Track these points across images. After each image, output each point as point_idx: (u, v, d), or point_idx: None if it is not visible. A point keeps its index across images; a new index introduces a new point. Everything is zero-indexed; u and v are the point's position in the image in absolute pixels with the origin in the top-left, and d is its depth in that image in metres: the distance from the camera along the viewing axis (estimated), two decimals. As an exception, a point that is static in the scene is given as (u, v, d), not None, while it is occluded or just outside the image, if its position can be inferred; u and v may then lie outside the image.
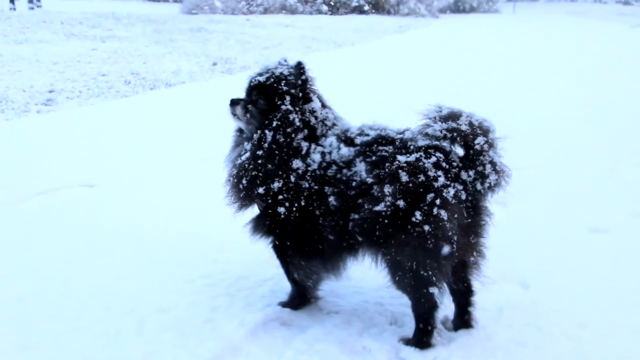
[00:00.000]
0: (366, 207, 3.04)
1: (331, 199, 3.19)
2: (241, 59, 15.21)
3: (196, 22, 25.42)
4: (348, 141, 3.25)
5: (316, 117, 3.37)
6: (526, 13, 42.06)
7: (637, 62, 15.04)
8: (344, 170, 3.17)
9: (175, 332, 3.38)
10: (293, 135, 3.30)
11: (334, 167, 3.21)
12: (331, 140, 3.31)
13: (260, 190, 3.34)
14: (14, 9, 30.00)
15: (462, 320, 3.41)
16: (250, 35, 21.13)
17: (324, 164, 3.25)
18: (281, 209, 3.34)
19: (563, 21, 33.02)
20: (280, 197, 3.33)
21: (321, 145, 3.31)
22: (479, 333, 3.36)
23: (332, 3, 38.24)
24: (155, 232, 4.75)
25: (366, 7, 38.79)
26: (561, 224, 4.95)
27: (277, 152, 3.30)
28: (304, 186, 3.27)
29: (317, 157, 3.28)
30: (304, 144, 3.31)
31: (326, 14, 37.43)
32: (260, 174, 3.33)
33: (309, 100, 3.39)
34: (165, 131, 8.00)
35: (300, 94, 3.39)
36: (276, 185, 3.31)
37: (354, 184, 3.11)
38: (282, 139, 3.30)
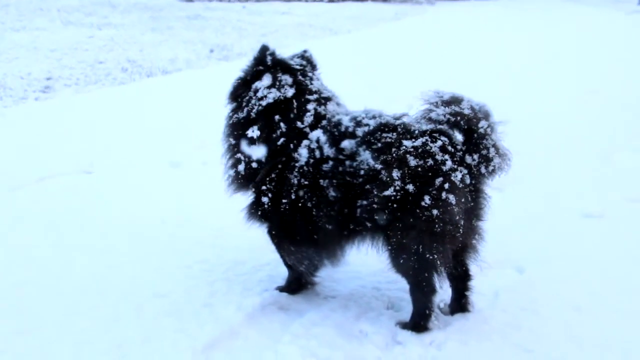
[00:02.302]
0: (375, 192, 3.04)
1: (330, 190, 3.18)
2: (238, 46, 15.18)
3: (193, 9, 25.33)
4: (347, 134, 3.21)
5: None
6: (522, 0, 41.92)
7: (633, 49, 15.03)
8: (347, 162, 3.14)
9: (174, 316, 3.41)
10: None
11: (331, 162, 3.18)
12: (318, 134, 3.28)
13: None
14: (10, -4, 29.79)
15: (459, 304, 3.44)
16: (247, 23, 21.07)
17: (314, 160, 3.23)
18: (264, 199, 3.37)
19: (559, 8, 32.91)
20: (264, 187, 3.37)
21: (308, 139, 3.30)
22: (474, 317, 3.39)
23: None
24: (151, 218, 4.76)
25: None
26: (556, 209, 4.98)
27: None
28: (292, 181, 3.27)
29: (304, 152, 3.27)
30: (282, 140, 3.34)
31: (322, 1, 37.29)
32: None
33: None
34: (162, 118, 8.00)
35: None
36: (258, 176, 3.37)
37: (361, 172, 3.09)
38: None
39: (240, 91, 3.48)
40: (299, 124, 3.32)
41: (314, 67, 3.57)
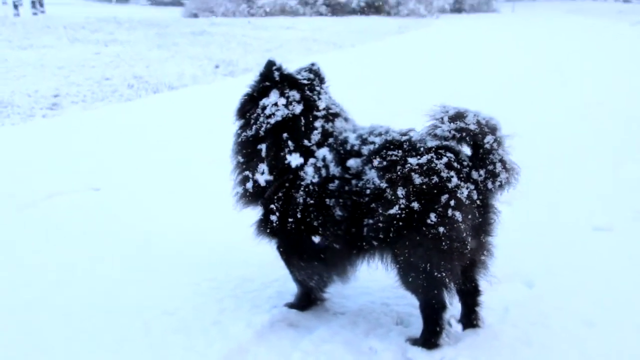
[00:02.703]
0: (380, 211, 3.04)
1: (336, 210, 3.17)
2: (243, 61, 15.24)
3: (198, 26, 25.49)
4: (352, 153, 3.20)
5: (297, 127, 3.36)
6: (525, 12, 42.06)
7: (638, 60, 15.02)
8: (354, 182, 3.13)
9: (183, 334, 3.40)
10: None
11: (337, 182, 3.17)
12: (324, 153, 3.27)
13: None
14: (18, 15, 30.16)
15: (469, 320, 3.42)
16: (252, 38, 21.18)
17: (320, 178, 3.22)
18: (273, 217, 3.37)
19: (563, 20, 32.99)
20: (272, 205, 3.37)
21: (314, 157, 3.28)
22: (485, 332, 3.37)
23: (332, 5, 38.27)
24: (160, 235, 4.76)
25: (366, 9, 38.83)
26: (565, 222, 4.97)
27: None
28: (298, 200, 3.27)
29: (310, 170, 3.26)
30: (292, 157, 3.31)
31: (326, 15, 37.48)
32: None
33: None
34: (169, 134, 8.02)
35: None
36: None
37: (367, 191, 3.08)
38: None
39: (248, 107, 3.46)
40: (306, 142, 3.31)
41: (322, 81, 3.54)
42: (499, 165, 3.03)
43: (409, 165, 3.00)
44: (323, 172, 3.22)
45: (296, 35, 22.64)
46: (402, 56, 16.94)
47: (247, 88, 3.53)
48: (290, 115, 3.33)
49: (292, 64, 3.68)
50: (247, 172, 3.43)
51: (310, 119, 3.35)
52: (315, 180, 3.22)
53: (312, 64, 3.57)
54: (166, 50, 17.01)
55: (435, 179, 2.97)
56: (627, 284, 3.93)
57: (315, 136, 3.32)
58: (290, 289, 3.77)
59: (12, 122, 8.81)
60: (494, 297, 3.63)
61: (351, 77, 12.19)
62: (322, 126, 3.35)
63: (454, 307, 3.38)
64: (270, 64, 3.44)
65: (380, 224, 3.05)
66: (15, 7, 31.01)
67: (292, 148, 3.31)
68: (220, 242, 4.56)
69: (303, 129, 3.32)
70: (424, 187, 2.96)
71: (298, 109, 3.34)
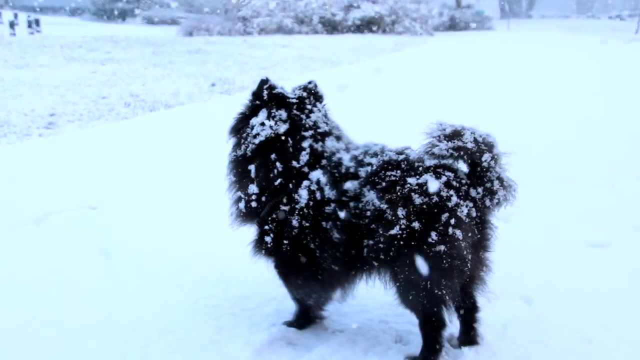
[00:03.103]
0: (381, 232, 3.04)
1: (334, 232, 3.17)
2: (239, 80, 15.29)
3: (194, 44, 25.60)
4: (349, 175, 3.20)
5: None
6: (520, 30, 42.33)
7: (633, 77, 15.11)
8: (352, 204, 3.13)
9: (181, 353, 3.38)
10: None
11: (334, 205, 3.17)
12: (318, 175, 3.27)
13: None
14: (14, 34, 30.24)
15: (468, 336, 3.41)
16: (248, 56, 21.26)
17: (315, 202, 3.21)
18: (267, 238, 3.37)
19: (558, 37, 33.19)
20: (266, 226, 3.37)
21: (308, 180, 3.27)
22: (484, 350, 3.36)
23: (327, 23, 38.49)
24: (157, 254, 4.75)
25: (362, 27, 39.05)
26: (562, 238, 4.97)
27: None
28: (293, 223, 3.26)
29: (304, 193, 3.25)
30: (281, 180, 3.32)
31: (322, 33, 37.65)
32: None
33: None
34: (166, 152, 8.02)
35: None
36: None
37: (367, 213, 3.08)
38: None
39: (240, 126, 3.48)
40: (294, 163, 3.30)
41: (317, 99, 3.51)
42: (496, 183, 3.05)
43: (408, 185, 3.00)
44: (318, 195, 3.22)
45: (292, 54, 22.74)
46: (399, 73, 17.00)
47: (241, 107, 3.54)
48: (273, 135, 3.32)
49: (288, 82, 3.69)
50: (239, 193, 3.44)
51: (298, 139, 3.33)
52: (311, 203, 3.22)
53: (309, 82, 3.56)
54: (162, 69, 17.06)
55: (435, 198, 2.97)
56: (625, 300, 3.94)
57: (304, 157, 3.30)
58: (289, 307, 3.75)
59: (9, 141, 8.81)
60: (493, 314, 3.63)
61: (348, 94, 12.22)
62: (311, 146, 3.32)
63: (453, 324, 3.37)
64: (262, 83, 3.45)
65: (381, 245, 3.05)
66: (12, 26, 31.10)
67: (280, 169, 3.30)
68: (217, 260, 4.55)
69: (291, 149, 3.31)
70: (424, 206, 2.97)
71: (282, 128, 3.33)
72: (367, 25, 39.45)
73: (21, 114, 10.58)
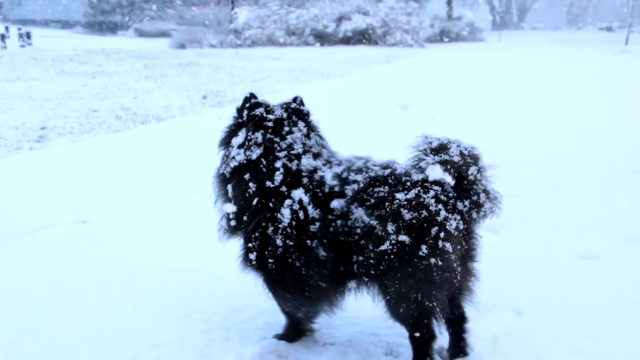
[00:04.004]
0: (370, 247, 3.04)
1: (320, 250, 3.18)
2: (231, 92, 15.30)
3: (185, 57, 25.64)
4: (334, 194, 3.20)
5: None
6: (511, 41, 42.58)
7: (625, 88, 15.22)
8: (339, 222, 3.14)
9: (171, 367, 3.37)
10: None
11: (319, 224, 3.18)
12: (300, 195, 3.26)
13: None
14: (5, 47, 30.22)
15: (458, 347, 3.41)
16: (240, 69, 21.30)
17: (297, 221, 3.22)
18: (251, 256, 3.38)
19: (548, 49, 33.40)
20: (249, 244, 3.39)
21: (290, 199, 3.27)
22: (474, 362, 3.37)
23: (319, 35, 38.62)
24: (148, 267, 4.74)
25: (353, 38, 39.21)
26: (553, 250, 4.98)
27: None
28: (277, 242, 3.26)
29: (286, 212, 3.25)
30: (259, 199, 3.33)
31: (314, 45, 37.78)
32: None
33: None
34: (157, 165, 8.02)
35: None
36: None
37: (356, 230, 3.08)
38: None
39: (228, 140, 3.49)
40: (269, 183, 3.30)
41: (301, 117, 3.49)
42: (482, 196, 3.07)
43: (397, 201, 3.01)
44: (301, 214, 3.22)
45: (284, 66, 22.80)
46: (391, 85, 17.06)
47: (228, 120, 3.56)
48: (246, 162, 3.34)
49: (280, 95, 3.72)
50: (220, 210, 3.48)
51: (271, 159, 3.34)
52: (293, 223, 3.23)
53: (295, 99, 3.54)
54: (154, 82, 17.07)
55: (424, 213, 2.98)
56: (615, 312, 3.94)
57: (278, 177, 3.30)
58: (279, 320, 3.75)
59: (-1, 154, 8.78)
60: (483, 326, 3.64)
61: (341, 106, 12.26)
62: (284, 165, 3.32)
63: (442, 336, 3.37)
64: (245, 100, 3.47)
65: (372, 260, 3.06)
66: (3, 39, 31.08)
67: (254, 189, 3.31)
68: (208, 273, 4.54)
69: (264, 169, 3.32)
70: (414, 221, 2.98)
71: (255, 154, 3.33)
72: (358, 37, 39.62)
73: (12, 128, 10.55)
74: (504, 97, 14.05)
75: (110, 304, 4.15)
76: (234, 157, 3.36)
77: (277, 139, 3.38)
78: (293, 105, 3.51)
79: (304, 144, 3.41)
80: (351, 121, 10.50)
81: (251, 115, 3.43)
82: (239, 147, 3.37)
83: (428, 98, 13.92)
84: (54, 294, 4.31)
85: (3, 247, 5.22)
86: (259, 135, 3.37)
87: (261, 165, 3.32)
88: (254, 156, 3.33)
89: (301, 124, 3.47)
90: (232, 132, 3.49)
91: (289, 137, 3.39)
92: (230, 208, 3.37)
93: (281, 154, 3.34)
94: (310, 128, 3.51)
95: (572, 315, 3.89)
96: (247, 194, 3.32)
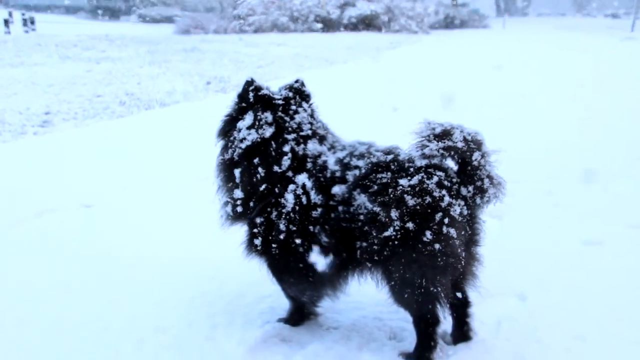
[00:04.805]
0: (374, 234, 3.04)
1: (322, 236, 3.19)
2: (235, 78, 15.27)
3: (190, 42, 25.57)
4: (335, 180, 3.20)
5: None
6: (516, 28, 42.34)
7: (628, 75, 15.15)
8: (340, 208, 3.14)
9: (175, 350, 3.39)
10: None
11: (320, 209, 3.18)
12: (303, 179, 3.26)
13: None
14: (9, 32, 30.18)
15: (461, 332, 3.42)
16: (244, 55, 21.25)
17: (300, 206, 3.22)
18: (256, 241, 3.38)
19: (553, 35, 33.22)
20: (254, 229, 3.39)
21: (294, 184, 3.27)
22: (478, 347, 3.37)
23: (323, 21, 38.48)
24: (152, 251, 4.75)
25: (357, 25, 39.06)
26: (556, 236, 4.98)
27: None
28: (280, 227, 3.26)
29: (290, 197, 3.24)
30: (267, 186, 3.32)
31: (317, 32, 37.65)
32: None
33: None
34: (161, 151, 8.02)
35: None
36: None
37: (360, 216, 3.08)
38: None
39: (228, 129, 3.46)
40: (276, 168, 3.29)
41: (304, 98, 3.49)
42: (486, 181, 3.07)
43: (400, 187, 3.01)
44: (304, 199, 3.22)
45: (288, 52, 22.73)
46: (394, 71, 17.00)
47: (227, 108, 3.52)
48: (259, 140, 3.31)
49: (284, 80, 3.68)
50: (226, 197, 3.45)
51: (280, 142, 3.32)
52: (297, 207, 3.22)
53: (296, 81, 3.53)
54: (158, 67, 17.04)
55: (428, 199, 2.98)
56: (618, 298, 3.95)
57: (286, 161, 3.29)
58: (283, 304, 3.76)
59: (3, 139, 8.79)
60: (487, 311, 3.64)
61: (344, 92, 12.24)
62: (292, 149, 3.31)
63: (446, 321, 3.38)
64: (247, 84, 3.42)
65: (375, 247, 3.06)
66: (7, 24, 31.03)
67: (262, 174, 3.30)
68: (212, 258, 4.55)
69: (273, 153, 3.30)
70: (418, 207, 2.98)
71: (268, 132, 3.32)
72: (362, 24, 39.47)
73: (16, 113, 10.56)
74: (506, 84, 14.00)
75: (114, 288, 4.17)
76: (245, 138, 3.33)
77: (287, 118, 3.37)
78: (296, 85, 3.50)
79: (311, 124, 3.41)
80: (354, 107, 10.48)
81: (259, 96, 3.40)
82: (249, 128, 3.34)
83: (430, 84, 13.86)
84: (58, 277, 4.33)
85: (6, 232, 5.23)
86: (268, 115, 3.35)
87: (271, 148, 3.31)
88: (267, 134, 3.31)
89: (305, 105, 3.47)
90: (233, 118, 3.45)
91: (296, 116, 3.39)
92: (239, 194, 3.36)
93: (290, 137, 3.33)
94: (312, 110, 3.51)
95: (576, 300, 3.90)
96: (254, 179, 3.31)
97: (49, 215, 5.62)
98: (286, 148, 3.31)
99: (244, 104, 3.43)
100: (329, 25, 39.26)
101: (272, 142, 3.31)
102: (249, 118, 3.37)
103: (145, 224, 5.40)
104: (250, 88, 3.41)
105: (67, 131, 9.44)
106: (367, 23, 39.67)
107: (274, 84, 3.58)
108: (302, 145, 3.33)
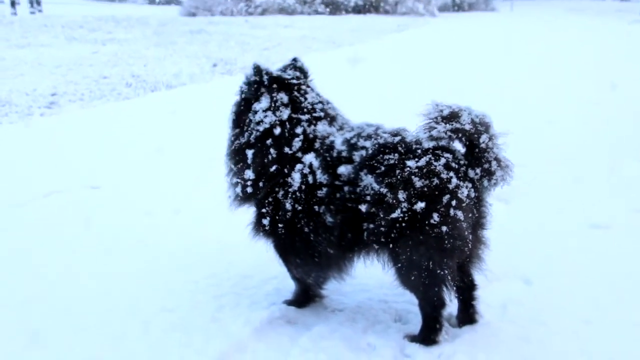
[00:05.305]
0: (381, 215, 3.04)
1: (327, 216, 3.18)
2: (241, 60, 15.21)
3: (196, 24, 25.45)
4: (341, 159, 3.19)
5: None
6: (524, 11, 41.99)
7: (636, 59, 15.03)
8: (346, 188, 3.13)
9: (181, 331, 3.40)
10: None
11: (326, 189, 3.18)
12: (310, 159, 3.26)
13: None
14: (15, 13, 30.08)
15: (467, 314, 3.43)
16: (250, 37, 21.14)
17: (306, 185, 3.23)
18: (264, 221, 3.39)
19: (561, 18, 32.96)
20: (263, 209, 3.39)
21: (301, 163, 3.28)
22: (483, 329, 3.38)
23: (330, 3, 38.26)
24: (158, 233, 4.77)
25: (364, 7, 38.82)
26: (562, 219, 4.97)
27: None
28: (286, 206, 3.28)
29: (297, 176, 3.26)
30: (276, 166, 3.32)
31: (324, 14, 37.44)
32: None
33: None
34: (168, 132, 8.02)
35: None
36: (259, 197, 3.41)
37: (366, 197, 3.08)
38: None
39: (243, 114, 3.45)
40: (287, 149, 3.30)
41: (305, 76, 3.51)
42: (494, 164, 3.06)
43: (408, 168, 3.00)
44: (310, 178, 3.22)
45: (294, 34, 22.61)
46: (401, 54, 16.92)
47: (237, 95, 3.51)
48: (278, 122, 3.31)
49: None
50: (237, 179, 3.46)
51: (295, 123, 3.32)
52: (303, 187, 3.23)
53: (295, 60, 3.54)
54: (164, 49, 16.98)
55: (436, 180, 2.98)
56: (624, 281, 3.94)
57: (297, 143, 3.30)
58: (289, 286, 3.77)
59: (10, 120, 8.80)
60: (492, 294, 3.65)
61: (351, 75, 12.19)
62: (304, 131, 3.32)
63: (452, 303, 3.38)
64: (258, 69, 3.40)
65: (382, 228, 3.06)
66: (13, 5, 30.95)
67: (274, 155, 3.30)
68: (219, 240, 4.57)
69: (287, 135, 3.31)
70: (425, 189, 2.97)
71: (285, 114, 3.32)
72: (369, 6, 39.21)
73: (23, 94, 10.57)
74: (515, 66, 13.91)
75: (120, 269, 4.19)
76: (262, 121, 3.32)
77: (302, 99, 3.38)
78: (298, 64, 3.52)
79: (321, 103, 3.42)
80: (361, 89, 10.44)
81: (273, 77, 3.40)
82: (265, 110, 3.34)
83: (438, 66, 13.80)
84: (64, 258, 4.36)
85: (15, 212, 5.26)
86: (283, 96, 3.35)
87: (285, 130, 3.31)
88: (284, 116, 3.32)
89: (310, 81, 3.51)
90: (247, 104, 3.44)
91: (307, 96, 3.40)
92: (250, 174, 3.36)
93: (304, 117, 3.33)
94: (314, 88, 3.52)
95: (581, 284, 3.90)
96: (266, 160, 3.32)
97: (56, 196, 5.65)
98: (299, 130, 3.32)
99: (257, 87, 3.41)
100: (336, 7, 39.00)
101: (287, 124, 3.32)
102: (265, 101, 3.36)
103: (151, 204, 5.41)
104: (263, 71, 3.39)
105: (74, 112, 9.44)
106: (374, 5, 39.39)
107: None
108: (312, 127, 3.34)
